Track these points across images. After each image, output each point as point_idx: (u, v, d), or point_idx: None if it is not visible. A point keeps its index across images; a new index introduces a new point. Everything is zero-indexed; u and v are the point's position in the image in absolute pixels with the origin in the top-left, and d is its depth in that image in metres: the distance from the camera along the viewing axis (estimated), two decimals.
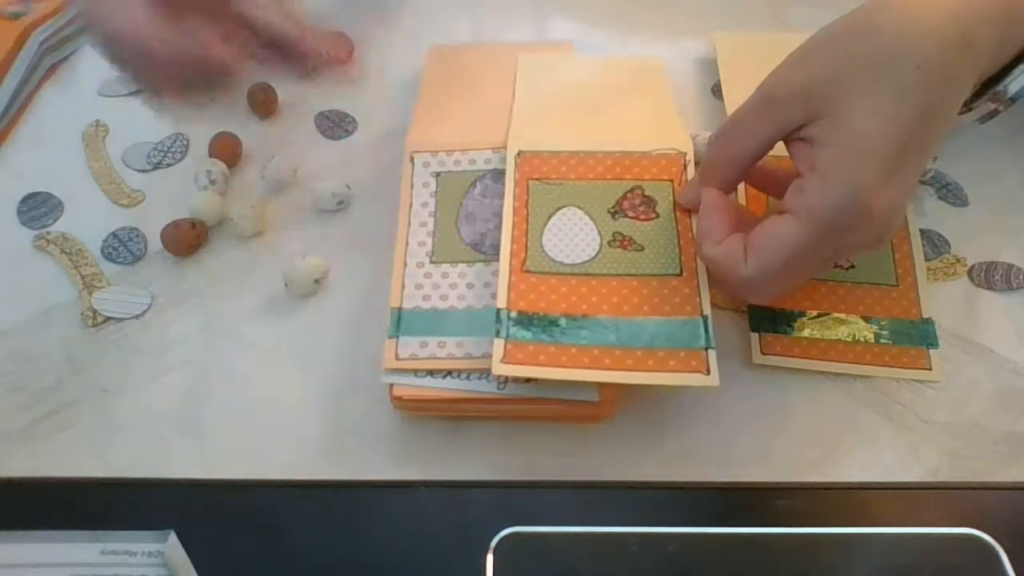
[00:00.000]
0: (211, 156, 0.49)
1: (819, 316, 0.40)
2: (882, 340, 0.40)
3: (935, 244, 0.44)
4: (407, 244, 0.41)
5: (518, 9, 0.58)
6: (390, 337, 0.38)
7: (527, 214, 0.40)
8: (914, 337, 0.40)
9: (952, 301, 0.42)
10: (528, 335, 0.36)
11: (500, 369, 0.35)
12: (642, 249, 0.39)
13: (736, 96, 0.49)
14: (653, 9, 0.57)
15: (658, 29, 0.56)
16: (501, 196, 0.42)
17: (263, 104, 0.52)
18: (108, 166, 0.50)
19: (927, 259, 0.43)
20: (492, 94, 0.49)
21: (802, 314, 0.40)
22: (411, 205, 0.43)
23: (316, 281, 0.43)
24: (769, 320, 0.40)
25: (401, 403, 0.37)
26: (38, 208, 0.48)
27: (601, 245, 0.39)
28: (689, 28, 0.56)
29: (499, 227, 0.41)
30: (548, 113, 0.46)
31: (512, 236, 0.39)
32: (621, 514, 0.34)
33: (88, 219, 0.47)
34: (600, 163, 0.42)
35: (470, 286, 0.39)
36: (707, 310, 0.37)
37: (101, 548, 0.29)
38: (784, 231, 0.34)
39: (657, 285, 0.38)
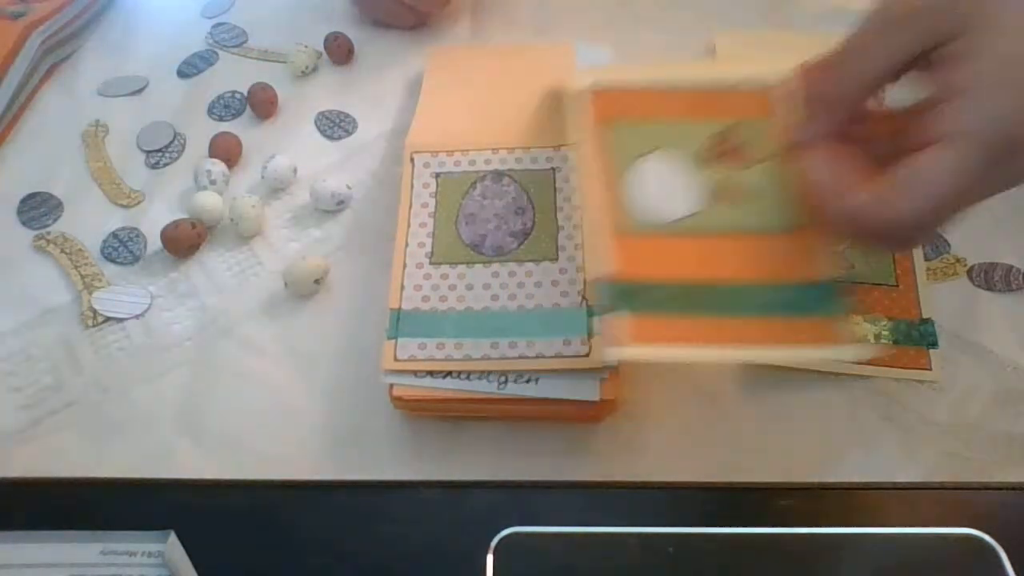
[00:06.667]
0: (211, 156, 0.49)
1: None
2: (882, 340, 0.40)
3: (935, 244, 0.44)
4: (407, 245, 0.41)
5: (518, 9, 0.58)
6: (389, 338, 0.38)
7: (609, 164, 0.34)
8: (914, 337, 0.40)
9: (952, 301, 0.42)
10: (638, 308, 0.31)
11: (615, 354, 0.31)
12: (748, 202, 0.34)
13: None
14: (653, 9, 0.57)
15: (658, 29, 0.56)
16: (501, 197, 0.42)
17: (263, 104, 0.52)
18: (108, 166, 0.50)
19: (927, 259, 0.43)
20: (492, 94, 0.49)
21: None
22: (411, 206, 0.43)
23: (316, 281, 0.43)
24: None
25: (401, 403, 0.37)
26: (38, 208, 0.48)
27: (702, 198, 0.34)
28: (689, 28, 0.56)
29: (499, 228, 0.41)
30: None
31: (596, 192, 0.34)
32: (621, 514, 0.34)
33: (88, 219, 0.47)
34: (685, 99, 0.36)
35: (469, 287, 0.39)
36: (831, 270, 0.33)
37: (101, 548, 0.29)
38: (943, 163, 0.29)
39: (771, 244, 0.33)
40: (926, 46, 0.30)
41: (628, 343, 0.30)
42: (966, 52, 0.29)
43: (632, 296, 0.31)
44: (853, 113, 0.32)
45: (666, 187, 0.34)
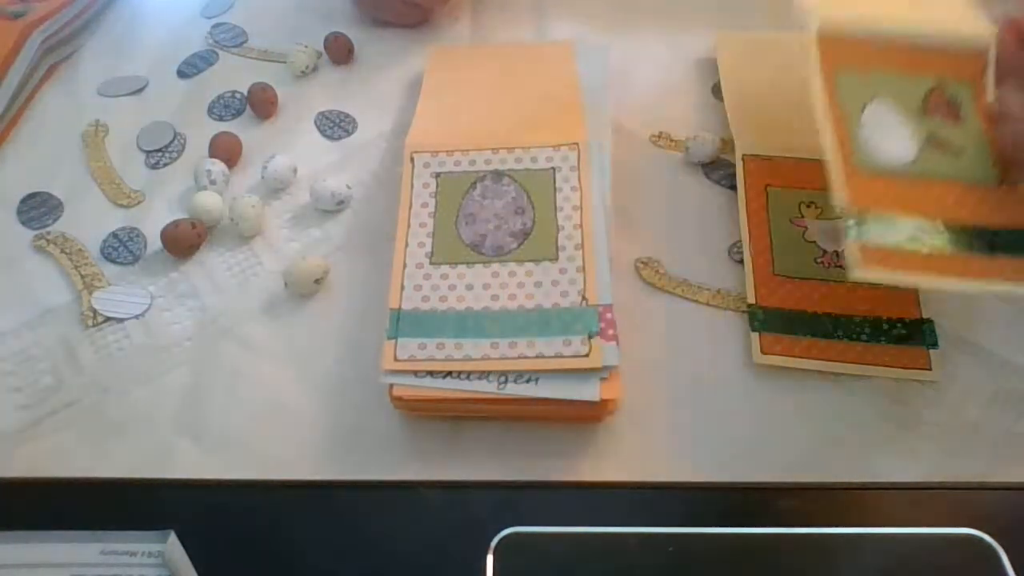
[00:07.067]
0: (211, 156, 0.49)
1: (819, 316, 0.40)
2: (882, 340, 0.39)
3: None
4: (407, 245, 0.41)
5: (518, 9, 0.58)
6: (389, 338, 0.38)
7: (837, 108, 0.38)
8: (914, 337, 0.40)
9: (952, 301, 0.42)
10: (880, 236, 0.35)
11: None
12: (959, 154, 0.37)
13: (736, 96, 0.49)
14: (653, 8, 0.57)
15: (658, 29, 0.56)
16: (501, 197, 0.42)
17: (263, 104, 0.52)
18: (108, 166, 0.50)
19: None
20: (492, 94, 0.49)
21: (802, 314, 0.40)
22: (411, 205, 0.43)
23: (316, 281, 0.43)
24: (769, 320, 0.40)
25: (401, 403, 0.37)
26: (38, 208, 0.48)
27: (918, 145, 0.37)
28: (689, 28, 0.56)
29: (500, 228, 0.41)
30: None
31: (833, 130, 0.37)
32: (621, 514, 0.34)
33: (88, 219, 0.47)
34: (902, 54, 0.39)
35: (469, 287, 0.39)
36: None
37: (101, 548, 0.29)
38: None
39: (983, 193, 0.36)
40: None
41: (871, 266, 0.34)
42: None
43: (873, 226, 0.35)
44: None
45: (888, 133, 0.37)
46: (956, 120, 0.38)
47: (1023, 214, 0.36)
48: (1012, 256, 0.35)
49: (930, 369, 0.39)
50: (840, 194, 0.36)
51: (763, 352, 0.39)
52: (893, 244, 0.35)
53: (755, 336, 0.40)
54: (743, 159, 0.46)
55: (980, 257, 0.35)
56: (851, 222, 0.35)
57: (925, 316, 0.40)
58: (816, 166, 0.45)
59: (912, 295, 0.41)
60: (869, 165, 0.37)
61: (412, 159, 0.44)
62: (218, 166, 0.48)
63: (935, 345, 0.39)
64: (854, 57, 0.39)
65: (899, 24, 0.40)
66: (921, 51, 0.39)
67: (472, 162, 0.44)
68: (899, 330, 0.40)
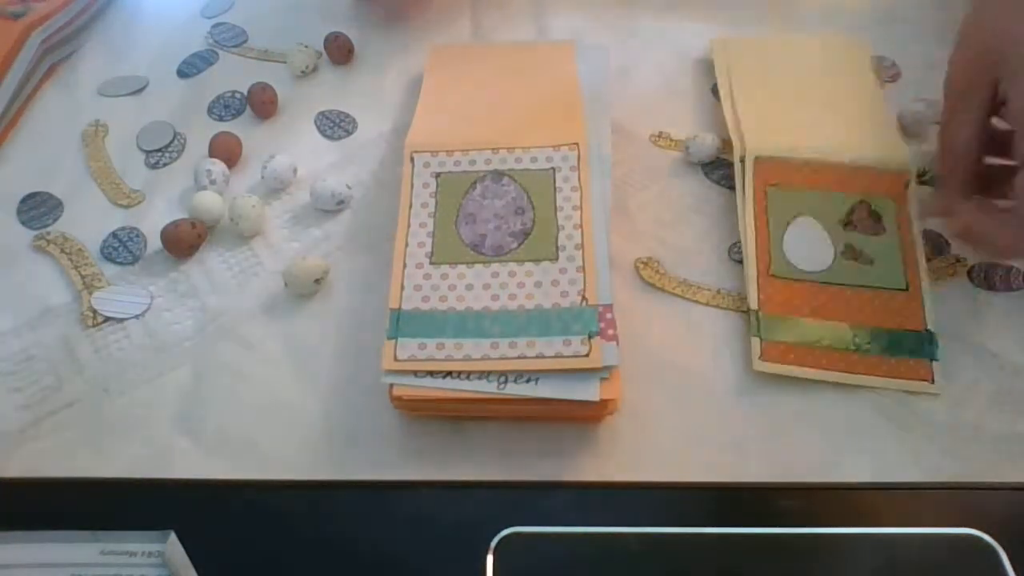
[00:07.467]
0: (211, 156, 0.49)
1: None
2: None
3: (936, 245, 0.44)
4: (407, 245, 0.41)
5: (518, 9, 0.58)
6: (389, 338, 0.38)
7: (767, 220, 0.43)
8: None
9: (952, 301, 0.42)
10: (780, 336, 0.39)
11: (759, 366, 0.39)
12: (871, 263, 0.41)
13: (732, 99, 0.49)
14: (653, 9, 0.58)
15: (658, 29, 0.56)
16: (501, 197, 0.42)
17: (263, 104, 0.52)
18: (108, 166, 0.50)
19: (928, 259, 0.42)
20: (492, 94, 0.49)
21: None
22: (411, 205, 0.43)
23: (316, 281, 0.43)
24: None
25: (401, 403, 0.37)
26: (38, 208, 0.48)
27: (835, 256, 0.42)
28: (689, 28, 0.56)
29: (499, 228, 0.41)
30: (774, 114, 0.48)
31: (756, 242, 0.42)
32: (621, 514, 0.34)
33: (88, 219, 0.47)
34: (831, 173, 0.44)
35: (469, 287, 0.39)
36: (932, 325, 0.40)
37: (101, 548, 0.29)
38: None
39: (886, 298, 0.41)
40: (993, 97, 0.38)
41: (770, 361, 0.39)
42: (1011, 93, 0.37)
43: (776, 326, 0.40)
44: (974, 167, 0.40)
45: (808, 245, 0.42)
46: (877, 232, 0.42)
47: (916, 318, 0.40)
48: (907, 356, 0.39)
49: (932, 381, 0.38)
50: (753, 297, 0.40)
51: (762, 359, 0.39)
52: (793, 342, 0.39)
53: (755, 340, 0.39)
54: (754, 160, 0.45)
55: (878, 357, 0.39)
56: (756, 322, 0.40)
57: (930, 327, 0.40)
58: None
59: (917, 307, 0.40)
60: (784, 273, 0.41)
61: (412, 159, 0.44)
62: (218, 166, 0.48)
63: (936, 358, 0.39)
64: (786, 176, 0.44)
65: (829, 150, 0.45)
66: (849, 171, 0.44)
67: (472, 162, 0.44)
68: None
